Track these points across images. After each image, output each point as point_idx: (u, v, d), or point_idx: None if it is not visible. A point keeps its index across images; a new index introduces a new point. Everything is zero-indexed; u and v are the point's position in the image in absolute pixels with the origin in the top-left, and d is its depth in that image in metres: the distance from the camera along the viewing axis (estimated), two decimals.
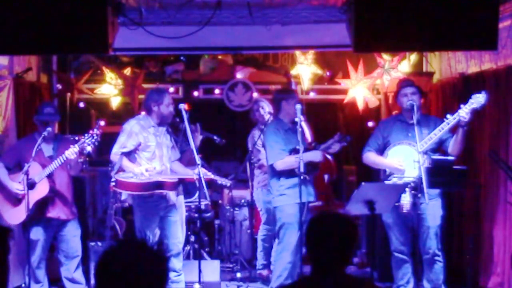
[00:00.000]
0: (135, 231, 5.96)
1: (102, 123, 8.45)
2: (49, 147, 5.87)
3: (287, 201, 5.92)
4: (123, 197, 6.12)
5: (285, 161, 5.89)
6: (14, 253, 6.09)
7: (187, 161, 6.63)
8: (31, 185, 5.65)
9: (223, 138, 7.21)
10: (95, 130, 5.64)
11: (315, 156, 5.92)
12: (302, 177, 5.77)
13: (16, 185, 5.72)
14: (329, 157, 7.28)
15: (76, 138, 6.53)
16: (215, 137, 7.07)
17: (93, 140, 5.60)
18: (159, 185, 5.74)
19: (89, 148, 5.67)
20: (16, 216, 5.76)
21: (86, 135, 5.64)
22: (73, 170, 5.91)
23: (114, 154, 5.87)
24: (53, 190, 5.78)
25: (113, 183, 5.78)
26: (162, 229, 5.99)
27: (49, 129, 5.71)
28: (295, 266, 5.95)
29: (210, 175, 6.11)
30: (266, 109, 7.03)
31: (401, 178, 5.61)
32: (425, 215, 5.61)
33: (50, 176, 5.74)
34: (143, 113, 6.17)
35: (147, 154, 5.91)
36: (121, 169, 5.83)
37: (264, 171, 7.03)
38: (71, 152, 5.57)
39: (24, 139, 6.13)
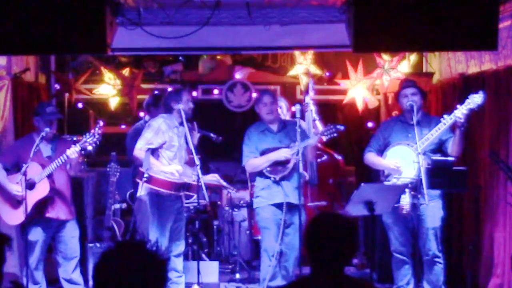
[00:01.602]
0: (148, 231, 5.94)
1: (100, 123, 8.42)
2: (47, 147, 5.84)
3: (261, 203, 6.02)
4: (139, 193, 6.06)
5: (249, 163, 6.05)
6: (12, 254, 6.10)
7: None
8: (30, 185, 5.62)
9: (222, 138, 7.19)
10: (96, 129, 5.63)
11: (278, 155, 5.92)
12: (272, 178, 5.90)
13: (16, 187, 5.68)
14: (339, 157, 7.25)
15: (75, 139, 6.52)
16: (211, 135, 7.05)
17: (95, 139, 5.59)
18: (188, 186, 5.85)
19: (90, 148, 5.64)
20: (15, 217, 5.73)
21: (87, 134, 5.62)
22: (73, 170, 5.89)
23: (139, 150, 5.88)
24: (53, 190, 5.75)
25: (145, 179, 5.72)
26: (170, 229, 5.98)
27: (47, 129, 5.68)
28: (285, 268, 5.98)
29: (222, 183, 6.33)
30: (284, 109, 6.99)
31: (399, 179, 5.61)
32: (424, 216, 5.60)
33: (49, 176, 5.71)
34: (141, 114, 6.16)
35: (170, 154, 5.96)
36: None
37: None
38: (73, 152, 5.55)
39: (22, 139, 6.11)
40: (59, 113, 5.93)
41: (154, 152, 5.92)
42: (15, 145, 6.13)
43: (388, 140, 5.82)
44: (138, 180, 5.89)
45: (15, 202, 5.72)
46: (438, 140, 5.59)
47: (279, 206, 5.91)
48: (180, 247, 6.10)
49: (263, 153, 5.98)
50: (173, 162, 5.95)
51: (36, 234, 5.76)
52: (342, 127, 5.89)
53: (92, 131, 5.62)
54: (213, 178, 6.10)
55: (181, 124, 6.01)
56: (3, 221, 5.85)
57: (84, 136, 5.64)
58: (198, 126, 6.74)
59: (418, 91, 5.77)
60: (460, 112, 5.35)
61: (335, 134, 5.84)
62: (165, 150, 5.95)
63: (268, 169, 5.95)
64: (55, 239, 5.93)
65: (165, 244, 5.82)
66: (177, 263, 6.01)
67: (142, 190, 5.95)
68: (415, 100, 5.67)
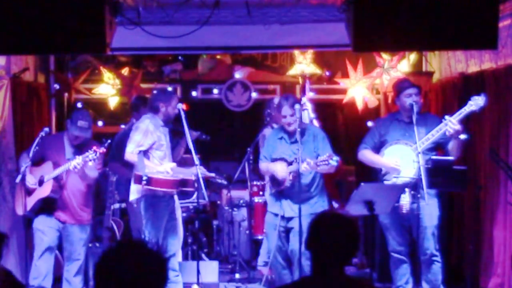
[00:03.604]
0: (143, 232, 5.92)
1: (100, 123, 8.42)
2: (71, 149, 5.85)
3: (268, 208, 6.09)
4: (131, 198, 6.03)
5: (260, 166, 6.08)
6: (16, 246, 6.22)
7: (178, 161, 6.58)
8: (41, 182, 5.74)
9: (222, 138, 7.19)
10: (101, 148, 5.57)
11: (273, 169, 5.84)
12: (274, 191, 5.87)
13: (30, 178, 5.76)
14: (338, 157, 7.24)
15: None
16: (200, 133, 6.92)
17: (95, 157, 5.56)
18: (185, 182, 5.87)
19: (90, 164, 5.63)
20: (21, 206, 5.78)
21: (90, 150, 5.59)
22: (82, 179, 5.85)
23: (131, 153, 5.86)
24: (56, 192, 5.76)
25: (144, 182, 5.69)
26: (164, 229, 5.98)
27: (46, 129, 5.73)
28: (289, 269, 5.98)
29: (211, 174, 6.33)
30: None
31: (398, 178, 5.60)
32: (421, 215, 5.58)
33: (58, 179, 5.73)
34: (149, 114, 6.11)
35: (160, 153, 5.95)
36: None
37: None
38: (74, 164, 5.56)
39: (52, 136, 6.23)
40: (89, 130, 5.81)
41: (144, 153, 5.89)
42: (44, 140, 6.04)
43: (384, 138, 5.80)
44: (136, 184, 5.84)
45: (27, 192, 5.79)
46: (435, 140, 5.58)
47: (276, 215, 5.91)
48: (175, 246, 6.11)
49: (272, 160, 5.93)
50: (163, 161, 5.95)
51: (42, 223, 5.79)
52: (336, 162, 5.50)
53: (95, 148, 5.57)
54: (198, 170, 6.06)
55: (165, 125, 6.03)
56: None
57: (88, 151, 5.61)
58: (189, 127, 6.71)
59: (419, 90, 5.79)
60: (450, 125, 5.34)
61: (326, 167, 5.61)
62: (155, 150, 5.94)
63: (268, 178, 5.99)
64: (63, 237, 5.94)
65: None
66: (173, 262, 6.00)
67: (135, 194, 5.90)
68: (418, 100, 5.69)
